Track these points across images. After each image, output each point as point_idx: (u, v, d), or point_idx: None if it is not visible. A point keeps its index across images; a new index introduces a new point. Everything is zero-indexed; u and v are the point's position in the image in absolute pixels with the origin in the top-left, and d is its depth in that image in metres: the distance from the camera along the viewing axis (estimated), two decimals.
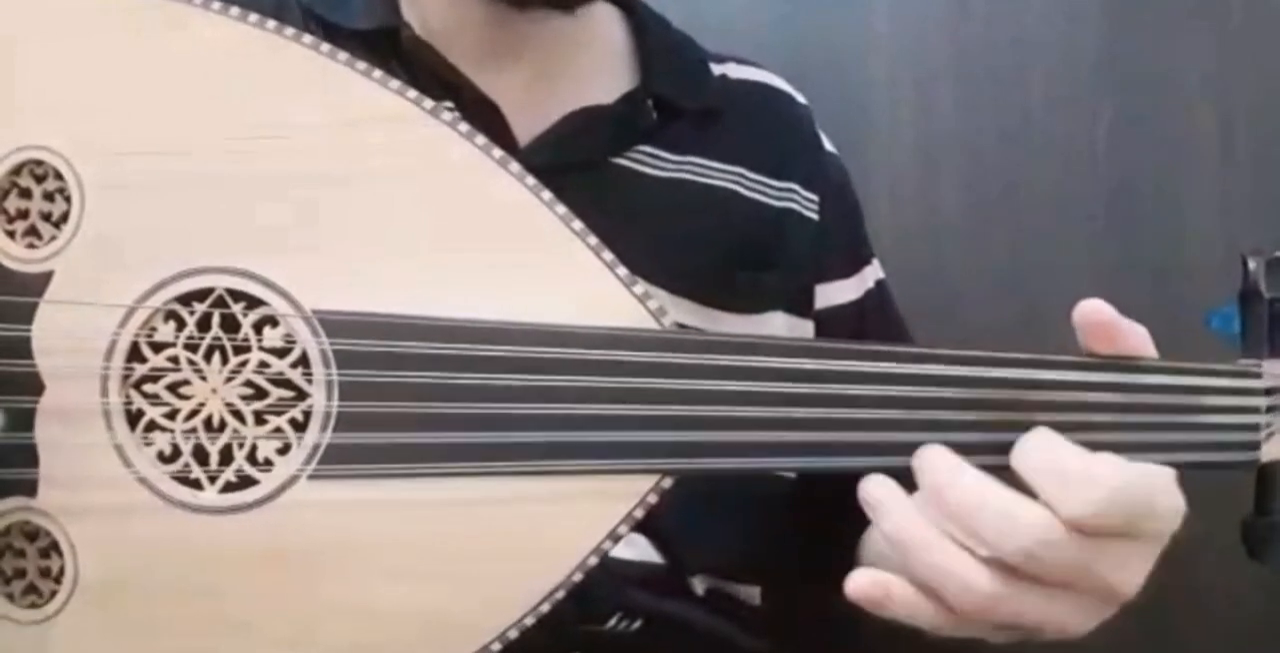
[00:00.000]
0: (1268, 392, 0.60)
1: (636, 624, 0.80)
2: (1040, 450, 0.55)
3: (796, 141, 0.91)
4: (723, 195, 0.85)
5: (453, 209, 0.61)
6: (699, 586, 0.84)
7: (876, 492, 0.56)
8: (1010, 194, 1.12)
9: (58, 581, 0.59)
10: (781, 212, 0.87)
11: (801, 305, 0.88)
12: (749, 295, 0.84)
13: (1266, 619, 1.08)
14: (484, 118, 0.75)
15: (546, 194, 0.60)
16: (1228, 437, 0.60)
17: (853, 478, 0.57)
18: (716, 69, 0.90)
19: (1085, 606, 0.55)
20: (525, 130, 0.77)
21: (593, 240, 0.60)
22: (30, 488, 0.58)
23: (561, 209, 0.60)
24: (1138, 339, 0.58)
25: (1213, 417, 0.59)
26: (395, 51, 0.76)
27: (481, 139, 0.61)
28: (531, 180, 0.61)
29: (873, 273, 0.94)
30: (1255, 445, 0.60)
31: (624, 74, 0.85)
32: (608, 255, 0.60)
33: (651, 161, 0.82)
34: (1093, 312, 0.58)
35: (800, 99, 0.95)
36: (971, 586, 0.53)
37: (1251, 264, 0.61)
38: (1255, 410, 0.60)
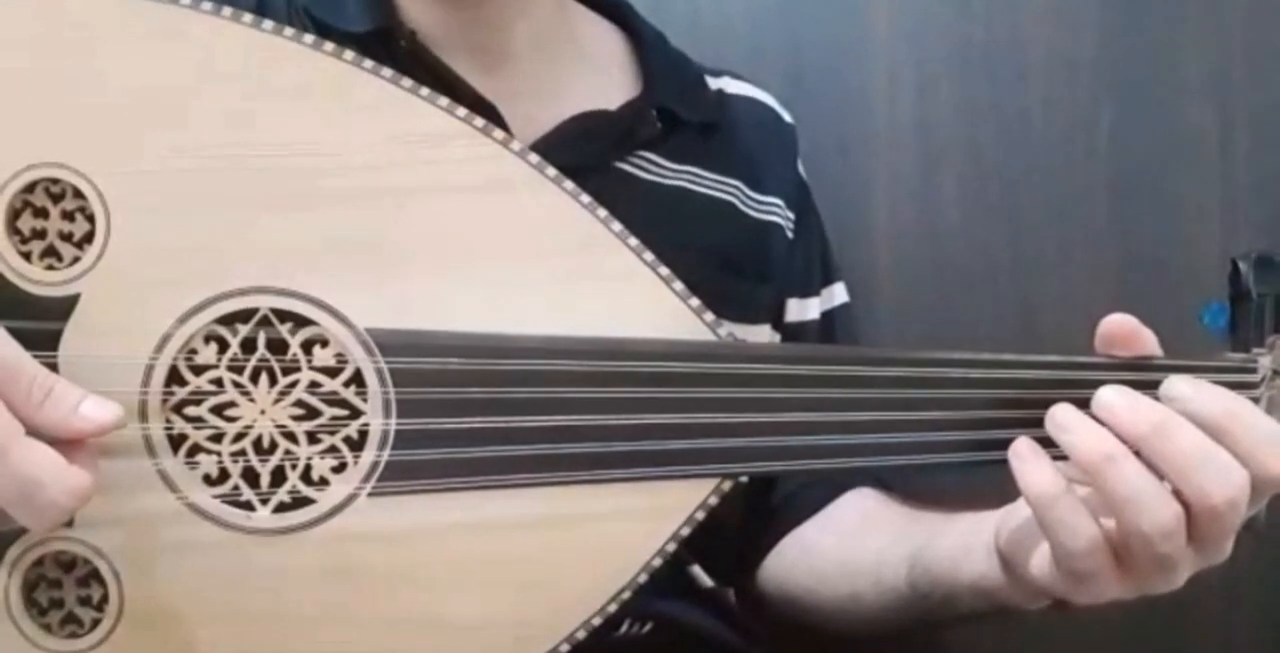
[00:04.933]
0: (1261, 381, 0.65)
1: (647, 628, 0.81)
2: (1251, 413, 0.59)
3: (783, 159, 0.94)
4: (720, 206, 0.87)
5: (504, 225, 0.61)
6: (701, 578, 0.86)
7: (1069, 414, 0.59)
8: (1010, 194, 1.11)
9: (99, 609, 0.58)
10: (769, 225, 0.90)
11: (777, 318, 0.91)
12: (745, 305, 0.87)
13: (1265, 619, 1.09)
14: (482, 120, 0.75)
15: (602, 211, 0.61)
16: None
17: None
18: (713, 83, 0.93)
19: (1201, 564, 0.60)
20: (523, 133, 0.77)
21: (648, 256, 0.61)
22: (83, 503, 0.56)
23: (617, 226, 0.61)
24: (1151, 345, 0.63)
25: None
26: (391, 54, 0.75)
27: (534, 157, 0.61)
28: (586, 198, 0.61)
29: (840, 294, 0.97)
30: None
31: (625, 85, 0.86)
32: (664, 270, 0.62)
33: (652, 168, 0.84)
34: (1120, 324, 0.63)
35: (787, 118, 0.97)
36: (1163, 505, 0.57)
37: (1242, 266, 0.66)
38: (1255, 400, 0.64)
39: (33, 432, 0.51)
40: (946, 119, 1.11)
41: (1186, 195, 1.10)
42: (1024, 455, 0.59)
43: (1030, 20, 1.11)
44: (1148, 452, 0.57)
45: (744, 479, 0.62)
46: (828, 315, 0.95)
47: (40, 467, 0.51)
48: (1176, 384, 0.60)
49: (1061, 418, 0.59)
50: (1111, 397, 0.59)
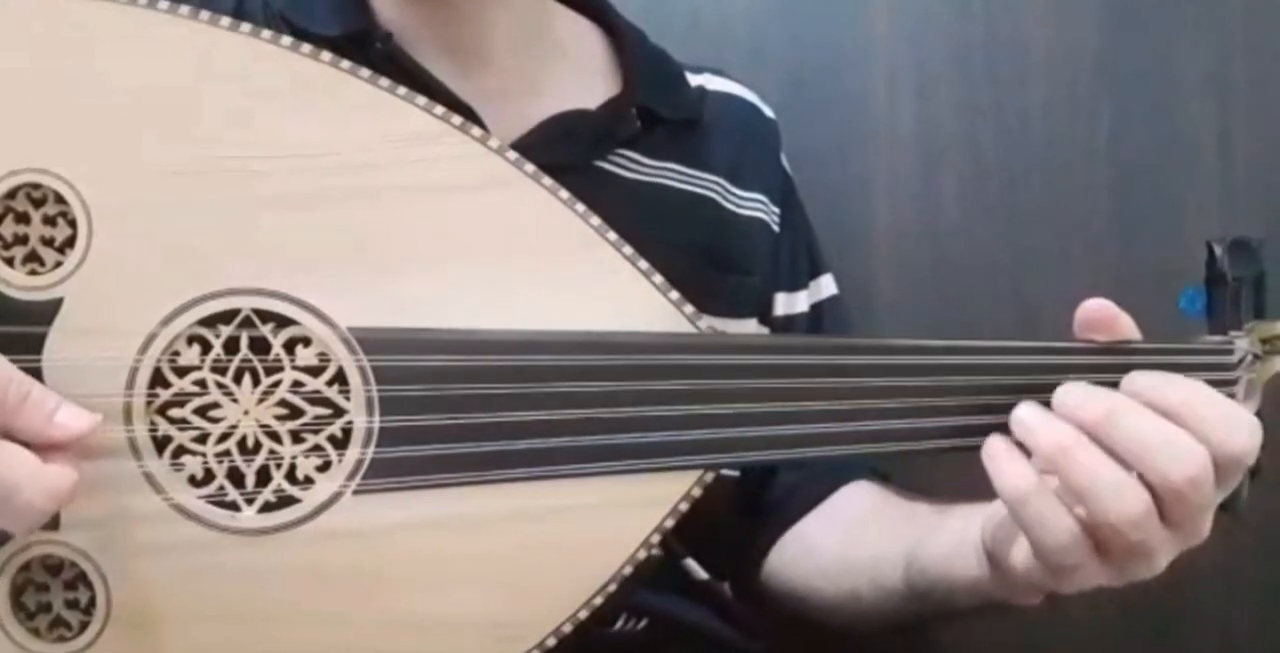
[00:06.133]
0: (1238, 363, 0.65)
1: (642, 624, 0.81)
2: (1206, 393, 0.59)
3: (765, 154, 0.94)
4: (701, 201, 0.87)
5: (486, 223, 0.61)
6: (696, 571, 0.85)
7: (1027, 413, 0.59)
8: (1010, 194, 1.11)
9: (87, 612, 0.58)
10: (751, 220, 0.90)
11: (764, 312, 0.91)
12: (730, 300, 0.87)
13: (1265, 619, 1.09)
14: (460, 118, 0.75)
15: (580, 207, 0.61)
16: None
17: None
18: (694, 80, 0.92)
19: (1178, 548, 0.60)
20: (502, 133, 0.76)
21: (627, 250, 0.62)
22: (52, 521, 0.57)
23: (596, 221, 0.61)
24: (1130, 330, 0.64)
25: None
26: (367, 57, 0.75)
27: (512, 154, 0.61)
28: (565, 194, 0.61)
29: (828, 285, 0.97)
30: None
31: (604, 83, 0.86)
32: (643, 264, 0.62)
33: (632, 166, 0.84)
34: (1098, 308, 0.63)
35: (769, 113, 0.97)
36: (1128, 492, 0.57)
37: (1217, 250, 0.66)
38: (1232, 382, 0.64)
39: (8, 435, 0.52)
40: (946, 119, 1.11)
41: (1186, 195, 1.10)
42: (996, 455, 0.59)
43: (1030, 20, 1.11)
44: (1104, 439, 0.57)
45: (728, 471, 0.62)
46: (816, 307, 0.95)
47: (16, 470, 0.51)
48: (1136, 377, 0.60)
49: (1024, 416, 0.60)
50: (1066, 388, 0.59)
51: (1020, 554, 0.61)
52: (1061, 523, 0.58)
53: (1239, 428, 0.58)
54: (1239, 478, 0.60)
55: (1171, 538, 0.59)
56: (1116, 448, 0.57)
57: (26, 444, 0.52)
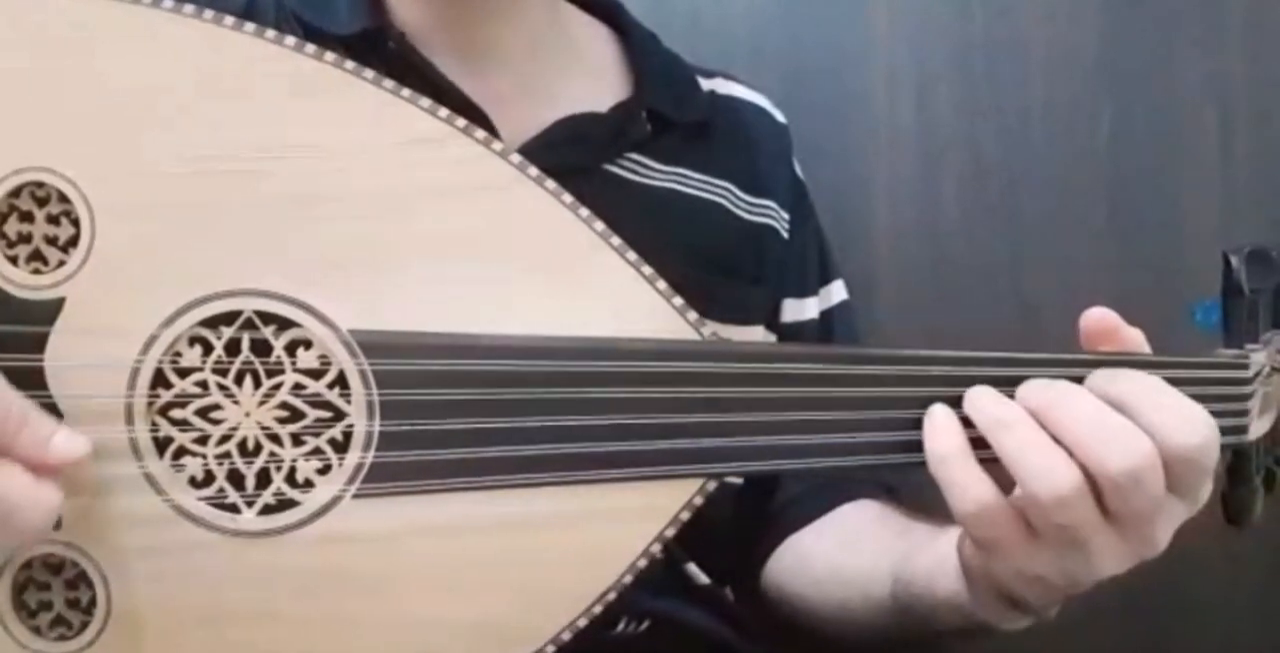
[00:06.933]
0: (1254, 377, 0.64)
1: (644, 626, 0.81)
2: (1159, 388, 0.58)
3: (775, 160, 0.94)
4: (710, 207, 0.87)
5: (489, 227, 0.60)
6: (697, 576, 0.86)
7: (978, 392, 0.59)
8: (1010, 194, 1.11)
9: (88, 612, 0.58)
10: (761, 227, 0.90)
11: (771, 319, 0.91)
12: (736, 307, 0.87)
13: (1265, 619, 1.09)
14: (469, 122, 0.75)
15: (584, 211, 0.61)
16: (1224, 422, 0.60)
17: None
18: (705, 84, 0.92)
19: (1125, 551, 0.58)
20: (512, 135, 0.78)
21: (631, 256, 0.61)
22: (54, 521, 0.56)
23: (600, 226, 0.61)
24: (1136, 342, 0.62)
25: (1212, 405, 0.60)
26: (380, 56, 0.75)
27: (517, 157, 0.60)
28: (569, 197, 0.61)
29: (838, 292, 0.96)
30: (1244, 429, 0.64)
31: (616, 87, 0.86)
32: (647, 269, 0.61)
33: (641, 170, 0.84)
34: (1099, 319, 0.62)
35: (780, 118, 0.97)
36: (1056, 468, 0.56)
37: (1233, 261, 0.65)
38: (1245, 398, 0.63)
39: (4, 456, 0.52)
40: (946, 119, 1.12)
41: (1186, 195, 1.10)
42: (933, 419, 0.59)
43: (1030, 20, 1.11)
44: (1048, 423, 0.57)
45: (731, 479, 0.62)
46: (826, 314, 0.94)
47: (15, 489, 0.52)
48: (1097, 372, 0.59)
49: (974, 394, 0.59)
50: (1033, 381, 0.59)
51: (969, 545, 0.61)
52: (975, 488, 0.57)
53: (1191, 425, 0.57)
54: (1198, 482, 0.58)
55: (1112, 534, 0.57)
56: (1060, 432, 0.56)
57: None
